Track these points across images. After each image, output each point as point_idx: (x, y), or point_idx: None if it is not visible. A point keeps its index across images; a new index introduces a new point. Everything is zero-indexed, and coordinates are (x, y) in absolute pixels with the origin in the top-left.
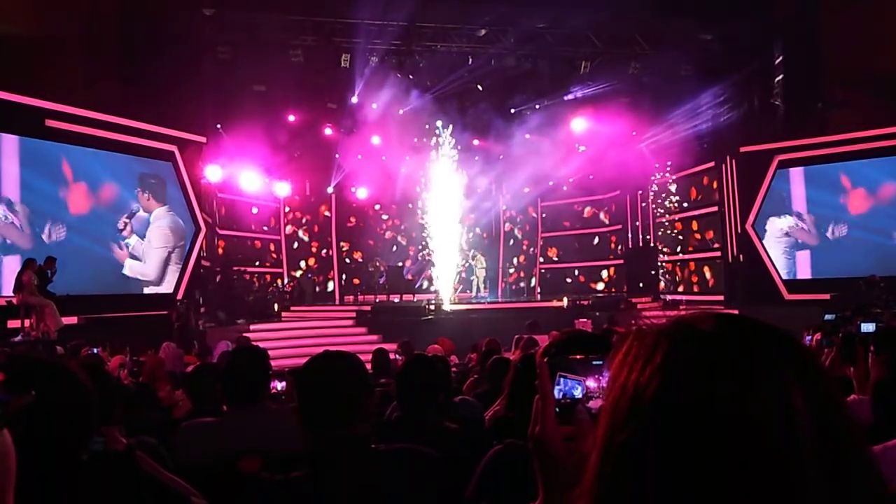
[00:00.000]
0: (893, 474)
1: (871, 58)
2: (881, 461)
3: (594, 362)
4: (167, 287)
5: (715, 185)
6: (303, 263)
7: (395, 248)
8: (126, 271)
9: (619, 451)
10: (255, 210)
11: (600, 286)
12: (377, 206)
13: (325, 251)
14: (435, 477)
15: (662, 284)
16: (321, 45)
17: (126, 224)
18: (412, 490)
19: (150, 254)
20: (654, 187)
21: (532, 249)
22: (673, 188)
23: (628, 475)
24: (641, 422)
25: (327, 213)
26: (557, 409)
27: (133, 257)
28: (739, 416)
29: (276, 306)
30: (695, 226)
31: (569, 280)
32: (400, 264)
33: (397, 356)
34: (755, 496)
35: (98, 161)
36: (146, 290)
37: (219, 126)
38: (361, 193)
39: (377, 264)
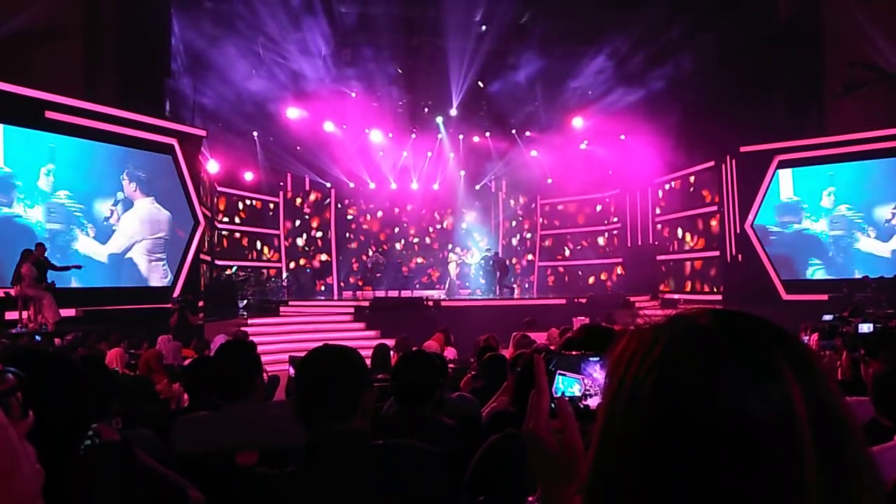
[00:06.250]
0: (891, 475)
1: (873, 58)
2: (879, 462)
3: (591, 359)
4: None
5: (714, 183)
6: (302, 260)
7: (395, 243)
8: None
9: (617, 444)
10: (252, 203)
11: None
12: (371, 204)
13: (323, 243)
14: (431, 472)
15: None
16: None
17: (112, 211)
18: (408, 485)
19: (114, 237)
20: (654, 186)
21: (531, 245)
22: (672, 187)
23: (625, 469)
24: (639, 415)
25: (326, 214)
26: (553, 406)
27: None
28: (737, 410)
29: (274, 301)
30: (693, 225)
31: (568, 280)
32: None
33: (394, 352)
34: (753, 490)
35: (93, 153)
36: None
37: (219, 124)
38: (360, 186)
39: (376, 258)
